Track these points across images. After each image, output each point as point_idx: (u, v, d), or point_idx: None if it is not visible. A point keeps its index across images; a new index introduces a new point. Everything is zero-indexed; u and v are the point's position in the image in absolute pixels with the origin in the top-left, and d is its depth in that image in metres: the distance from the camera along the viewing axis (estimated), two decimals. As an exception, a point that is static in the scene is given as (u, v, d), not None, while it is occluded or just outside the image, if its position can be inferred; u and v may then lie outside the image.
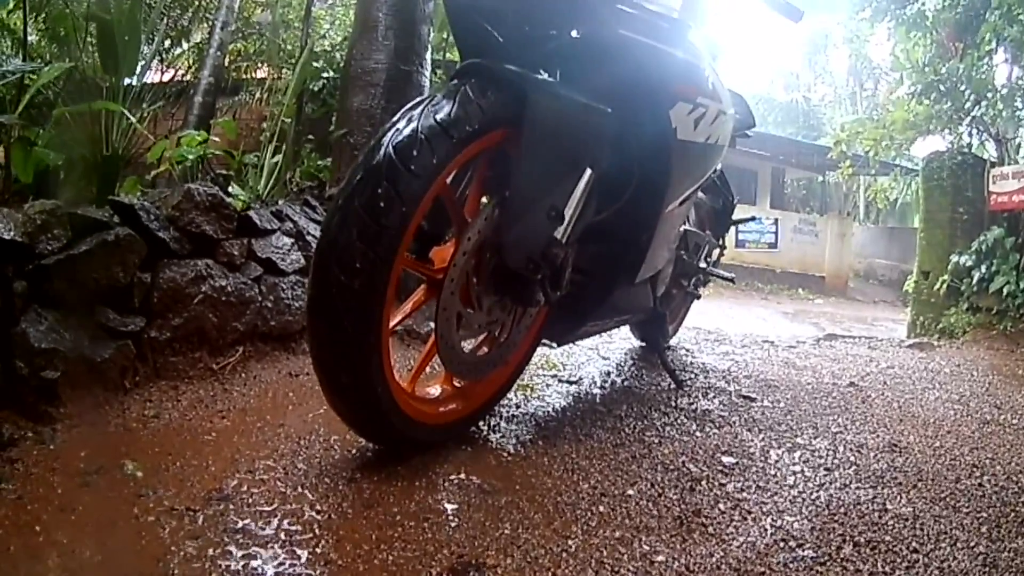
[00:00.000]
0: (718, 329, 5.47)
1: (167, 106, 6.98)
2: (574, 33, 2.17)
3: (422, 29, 4.31)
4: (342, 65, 5.01)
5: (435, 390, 2.29)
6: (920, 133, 7.76)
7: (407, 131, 1.75)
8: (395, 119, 1.83)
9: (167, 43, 7.27)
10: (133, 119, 3.15)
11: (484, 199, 2.22)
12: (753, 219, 4.58)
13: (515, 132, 1.95)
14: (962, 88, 7.26)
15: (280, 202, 4.13)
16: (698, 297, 3.90)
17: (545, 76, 2.32)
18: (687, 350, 4.20)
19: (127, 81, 3.81)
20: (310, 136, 5.26)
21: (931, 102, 7.43)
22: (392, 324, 1.94)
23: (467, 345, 2.26)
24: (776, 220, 17.24)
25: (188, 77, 7.26)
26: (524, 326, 2.39)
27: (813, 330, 8.84)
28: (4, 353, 2.11)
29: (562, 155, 2.04)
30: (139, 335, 2.49)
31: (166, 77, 7.32)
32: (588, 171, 2.09)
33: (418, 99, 1.90)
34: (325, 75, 5.51)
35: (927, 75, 7.39)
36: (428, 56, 4.39)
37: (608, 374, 3.33)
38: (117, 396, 2.39)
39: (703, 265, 3.58)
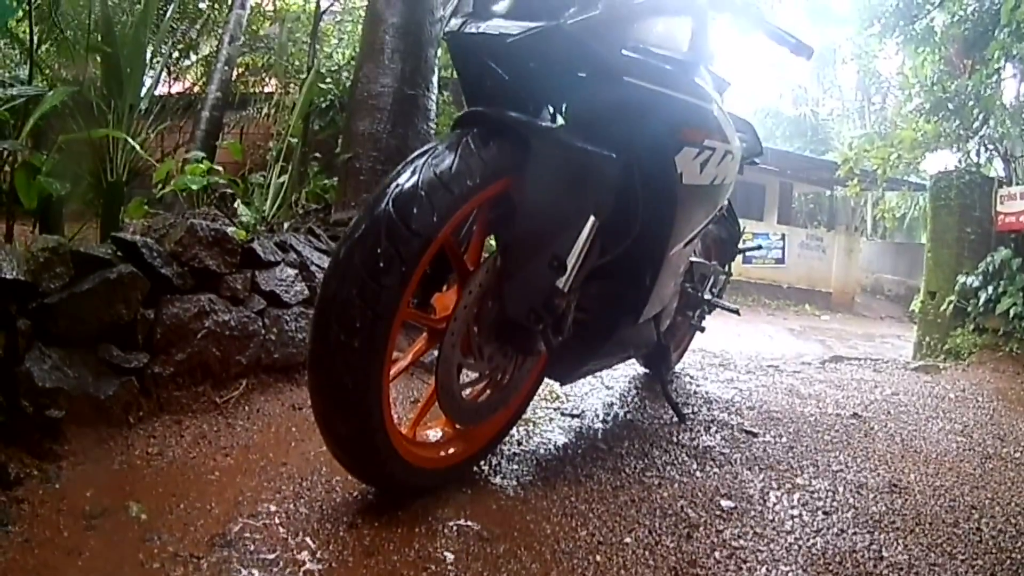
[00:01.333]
0: (723, 352, 5.46)
1: (175, 118, 7.03)
2: (581, 73, 2.17)
3: (428, 51, 4.33)
4: (349, 85, 5.03)
5: (436, 433, 2.30)
6: (928, 150, 7.75)
7: (408, 185, 1.76)
8: (398, 170, 1.84)
9: (175, 55, 7.32)
10: (136, 145, 3.15)
11: (489, 242, 2.24)
12: (759, 247, 4.56)
13: (518, 180, 1.96)
14: (970, 105, 7.26)
15: (285, 225, 4.16)
16: (702, 330, 3.89)
17: (550, 112, 2.34)
18: (691, 377, 4.20)
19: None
20: (316, 155, 5.28)
21: (939, 120, 7.42)
22: (392, 373, 1.96)
23: (468, 389, 2.26)
24: (783, 236, 17.14)
25: (196, 89, 7.32)
26: (526, 369, 2.40)
27: (819, 348, 8.85)
28: (9, 392, 2.13)
29: (565, 203, 2.04)
30: (142, 371, 2.50)
31: (175, 88, 7.38)
32: (592, 218, 2.09)
33: (422, 149, 1.91)
34: (333, 93, 5.50)
35: (935, 92, 7.38)
36: (435, 79, 4.41)
37: (611, 406, 3.33)
38: (121, 431, 2.40)
39: (708, 296, 3.57)
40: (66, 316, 2.28)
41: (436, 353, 2.04)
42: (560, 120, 2.41)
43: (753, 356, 5.61)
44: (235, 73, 7.25)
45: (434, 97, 4.41)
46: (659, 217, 2.38)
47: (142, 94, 3.78)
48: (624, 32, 2.11)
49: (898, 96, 17.49)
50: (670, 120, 2.27)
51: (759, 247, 4.47)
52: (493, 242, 2.43)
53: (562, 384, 2.93)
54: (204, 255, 2.72)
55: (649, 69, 2.16)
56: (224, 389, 2.79)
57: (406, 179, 1.78)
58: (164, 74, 7.13)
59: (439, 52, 4.49)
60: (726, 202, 3.27)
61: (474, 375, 2.24)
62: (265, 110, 6.53)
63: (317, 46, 5.68)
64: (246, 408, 2.79)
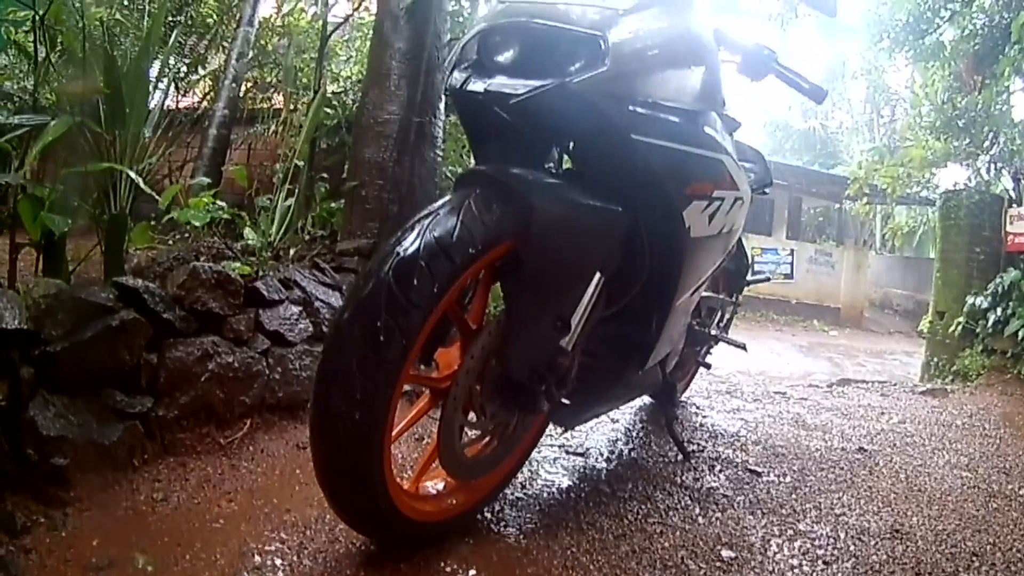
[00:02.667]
0: (730, 377, 5.43)
1: (184, 134, 7.05)
2: (586, 129, 2.12)
3: (435, 77, 4.32)
4: (355, 108, 5.02)
5: (438, 485, 2.29)
6: (938, 167, 7.73)
7: (408, 253, 1.75)
8: (399, 235, 1.84)
9: (183, 70, 7.32)
10: (140, 180, 3.12)
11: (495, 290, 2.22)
12: (767, 279, 4.49)
13: (523, 240, 1.93)
14: (980, 123, 7.25)
15: (291, 251, 4.17)
16: (707, 366, 3.85)
17: (558, 153, 2.32)
18: (697, 407, 4.19)
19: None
20: (324, 175, 5.25)
21: (949, 137, 7.40)
22: (394, 433, 1.95)
23: (471, 445, 2.25)
24: (792, 251, 17.14)
25: (205, 104, 7.32)
26: (530, 419, 2.39)
27: (827, 366, 8.82)
28: (13, 440, 2.15)
29: (571, 263, 2.02)
30: (146, 415, 2.52)
31: (183, 102, 7.37)
32: (597, 275, 2.09)
33: (424, 211, 1.90)
34: (339, 116, 5.48)
35: (946, 111, 7.36)
36: (442, 105, 4.41)
37: (616, 442, 3.32)
38: (126, 475, 2.42)
39: (715, 332, 3.53)
40: (69, 363, 2.29)
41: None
42: (567, 161, 2.40)
43: (760, 381, 5.59)
44: (243, 88, 7.26)
45: (441, 123, 4.41)
46: (666, 269, 2.35)
47: (146, 123, 3.78)
48: (632, 86, 2.05)
49: (907, 110, 17.48)
50: (679, 175, 2.23)
51: (767, 279, 4.47)
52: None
53: (567, 429, 2.91)
54: (207, 298, 2.74)
55: (657, 124, 2.11)
56: (228, 429, 2.80)
57: (407, 246, 1.77)
58: (172, 89, 7.15)
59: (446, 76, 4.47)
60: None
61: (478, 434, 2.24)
62: (273, 127, 6.53)
63: (325, 63, 5.65)
64: (250, 448, 2.80)
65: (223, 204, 3.49)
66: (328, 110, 4.91)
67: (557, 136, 2.19)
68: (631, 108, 2.05)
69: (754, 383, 5.29)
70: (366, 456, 1.76)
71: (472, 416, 2.14)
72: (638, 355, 2.52)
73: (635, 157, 2.08)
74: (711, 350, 3.82)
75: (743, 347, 3.63)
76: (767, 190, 3.84)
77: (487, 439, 2.29)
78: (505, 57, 2.09)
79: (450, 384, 1.98)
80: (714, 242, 2.54)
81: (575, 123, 2.07)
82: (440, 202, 1.93)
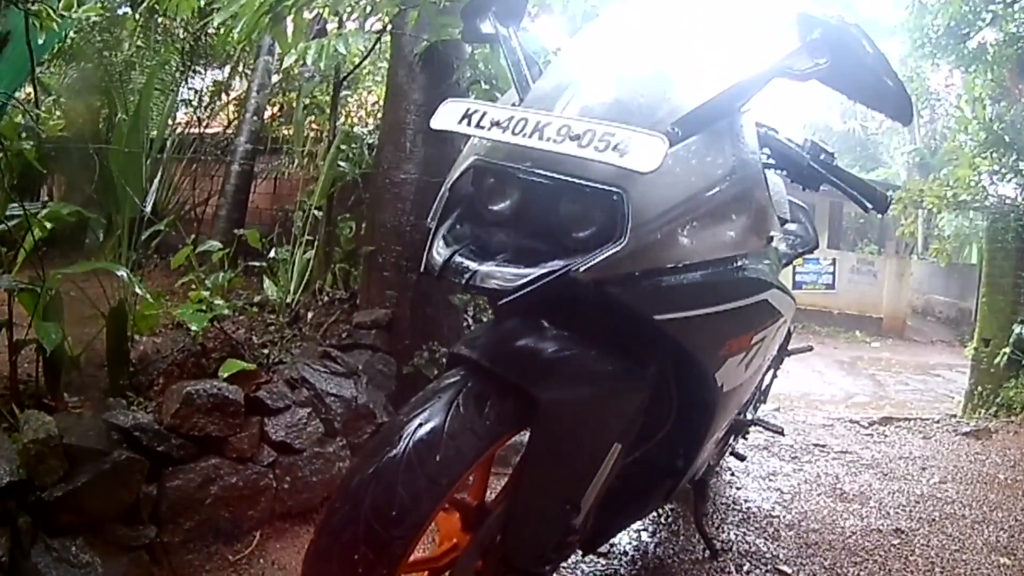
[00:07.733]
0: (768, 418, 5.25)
1: (206, 166, 7.01)
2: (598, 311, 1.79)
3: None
4: (371, 159, 4.83)
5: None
6: (986, 185, 7.44)
7: (387, 477, 1.52)
8: (376, 449, 1.61)
9: (205, 100, 7.29)
10: (132, 278, 2.99)
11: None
12: (810, 348, 4.22)
13: (527, 427, 1.68)
14: (1026, 138, 6.97)
15: (309, 314, 4.08)
16: (741, 458, 3.61)
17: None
18: (732, 472, 4.03)
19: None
20: (347, 215, 5.10)
21: (996, 153, 7.09)
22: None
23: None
24: (834, 260, 16.71)
25: (228, 132, 7.25)
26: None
27: (869, 385, 8.62)
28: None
29: (584, 446, 1.78)
30: (151, 544, 2.46)
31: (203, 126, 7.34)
32: (616, 445, 1.84)
33: (407, 412, 1.64)
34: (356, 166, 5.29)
35: (994, 128, 7.04)
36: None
37: (640, 535, 3.16)
38: (136, 605, 2.37)
39: (751, 416, 3.30)
40: (66, 508, 2.25)
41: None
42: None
43: (801, 424, 5.35)
44: (268, 113, 7.18)
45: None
46: (694, 422, 2.11)
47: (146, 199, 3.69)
48: (657, 257, 1.63)
49: (947, 111, 17.04)
50: (712, 341, 1.90)
51: (810, 348, 4.20)
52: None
53: (587, 553, 2.74)
54: (204, 422, 2.65)
55: (688, 295, 1.71)
56: (238, 543, 2.73)
57: (385, 466, 1.54)
58: (195, 118, 7.14)
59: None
60: None
61: None
62: (297, 161, 6.40)
63: (337, 123, 5.47)
64: (261, 561, 2.72)
65: (222, 301, 3.37)
66: (342, 164, 4.73)
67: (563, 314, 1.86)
68: (655, 283, 1.65)
69: (794, 428, 5.07)
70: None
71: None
72: (667, 480, 2.30)
73: (659, 335, 1.76)
74: (746, 436, 3.61)
75: (780, 431, 3.42)
76: (813, 252, 3.63)
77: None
78: (501, 207, 1.76)
79: (448, 564, 1.83)
80: (750, 382, 2.32)
81: (584, 309, 1.79)
82: (426, 395, 1.69)
